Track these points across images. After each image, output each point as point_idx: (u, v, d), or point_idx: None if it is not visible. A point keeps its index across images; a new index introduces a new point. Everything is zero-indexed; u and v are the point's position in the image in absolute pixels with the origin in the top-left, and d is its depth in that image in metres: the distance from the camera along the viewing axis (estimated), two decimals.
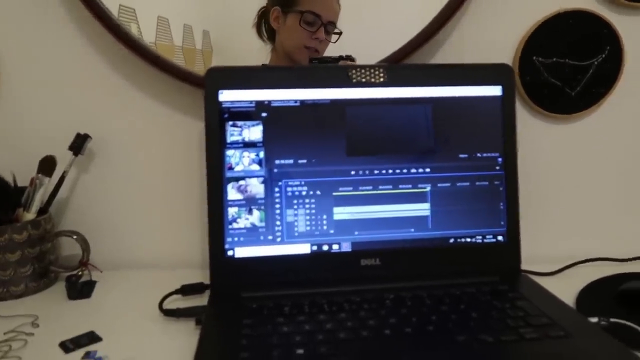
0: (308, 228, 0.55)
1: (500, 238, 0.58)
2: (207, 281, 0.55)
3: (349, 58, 0.63)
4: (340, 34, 0.63)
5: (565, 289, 0.56)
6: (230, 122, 0.55)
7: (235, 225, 0.54)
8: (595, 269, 0.63)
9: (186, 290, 0.56)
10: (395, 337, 0.42)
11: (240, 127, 0.55)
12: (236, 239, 0.54)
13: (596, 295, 0.54)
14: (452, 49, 0.66)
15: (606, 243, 0.70)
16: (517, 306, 0.48)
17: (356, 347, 0.40)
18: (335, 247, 0.56)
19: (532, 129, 0.68)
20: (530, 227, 0.66)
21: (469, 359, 0.39)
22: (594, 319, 0.46)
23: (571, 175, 0.70)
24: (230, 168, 0.54)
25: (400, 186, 0.56)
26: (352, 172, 0.56)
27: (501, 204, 0.58)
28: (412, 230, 0.56)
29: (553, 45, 0.66)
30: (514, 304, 0.48)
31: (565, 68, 0.66)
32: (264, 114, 0.55)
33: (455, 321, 0.44)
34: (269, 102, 0.55)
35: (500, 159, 0.58)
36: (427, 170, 0.57)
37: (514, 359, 0.39)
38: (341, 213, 0.55)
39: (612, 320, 0.45)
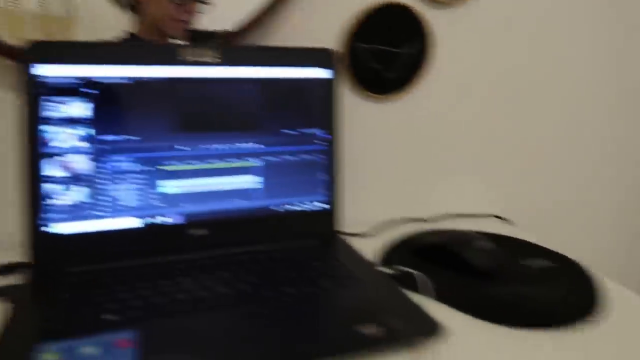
0: (137, 202, 0.56)
1: (322, 205, 0.65)
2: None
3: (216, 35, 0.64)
4: (208, 3, 0.64)
5: (376, 247, 0.65)
6: (48, 97, 0.53)
7: (55, 201, 0.53)
8: (404, 228, 0.73)
9: (1, 270, 0.54)
10: (210, 298, 0.46)
11: (61, 102, 0.54)
12: (57, 215, 0.54)
13: (399, 250, 0.64)
14: (282, 34, 0.71)
15: (415, 206, 0.82)
16: (327, 264, 0.55)
17: (170, 309, 0.44)
18: (163, 219, 0.58)
19: (354, 107, 0.76)
20: (352, 195, 0.75)
21: (271, 308, 0.45)
22: (386, 269, 0.55)
23: (389, 148, 0.80)
24: (47, 144, 0.53)
25: (228, 160, 0.60)
26: (181, 147, 0.58)
27: (324, 175, 0.65)
28: (240, 201, 0.61)
29: (374, 33, 0.74)
30: (325, 262, 0.55)
31: (384, 54, 0.75)
32: (89, 90, 0.54)
33: (268, 279, 0.50)
34: (95, 78, 0.55)
35: (323, 135, 0.65)
36: (255, 145, 0.61)
37: (310, 304, 0.46)
38: (170, 187, 0.58)
39: (399, 268, 0.54)
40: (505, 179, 0.89)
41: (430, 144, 0.82)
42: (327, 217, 0.65)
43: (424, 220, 0.78)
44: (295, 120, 0.63)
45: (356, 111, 0.77)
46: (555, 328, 0.45)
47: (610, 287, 0.55)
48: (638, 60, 0.91)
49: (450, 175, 0.85)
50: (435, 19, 0.76)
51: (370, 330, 0.41)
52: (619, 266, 1.04)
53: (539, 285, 0.51)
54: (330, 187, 0.65)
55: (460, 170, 0.85)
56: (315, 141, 0.64)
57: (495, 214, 0.85)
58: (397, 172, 0.81)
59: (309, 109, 0.64)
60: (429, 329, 0.42)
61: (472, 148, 0.85)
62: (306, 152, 0.64)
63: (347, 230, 0.69)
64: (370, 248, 0.64)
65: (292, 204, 0.63)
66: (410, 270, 0.54)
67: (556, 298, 0.49)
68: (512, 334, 0.45)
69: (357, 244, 0.64)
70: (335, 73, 0.65)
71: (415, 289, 0.51)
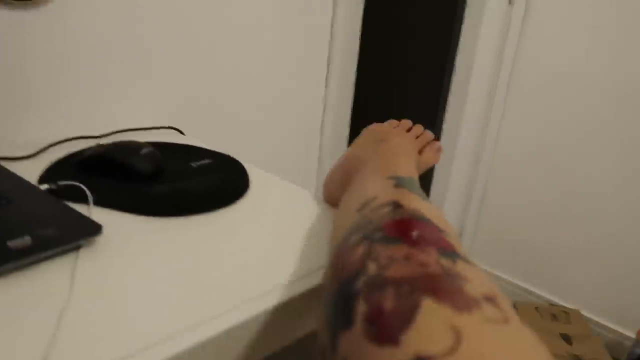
0: None
1: None
2: None
3: None
4: None
5: (40, 167, 0.60)
6: None
7: None
8: (73, 146, 0.70)
9: None
10: None
11: None
12: None
13: (62, 166, 0.61)
14: None
15: (87, 125, 0.79)
16: None
17: None
18: None
19: None
20: (11, 118, 0.66)
21: None
22: (46, 185, 0.52)
23: (53, 63, 0.72)
24: None
25: None
26: None
27: None
28: None
29: None
30: None
31: None
32: None
33: None
34: None
35: None
36: None
37: None
38: None
39: (59, 183, 0.53)
40: (178, 90, 0.93)
41: (95, 57, 0.78)
42: None
43: (96, 137, 0.75)
44: None
45: None
46: (208, 212, 0.53)
47: (256, 173, 0.67)
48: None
49: (121, 90, 0.83)
50: None
51: (19, 243, 0.39)
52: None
53: (196, 179, 0.59)
54: None
55: (131, 84, 0.84)
56: None
57: (170, 125, 0.89)
58: (62, 90, 0.75)
59: None
60: (87, 231, 0.44)
61: (142, 60, 0.85)
62: None
63: (6, 154, 0.62)
64: (34, 169, 0.59)
65: None
66: (71, 182, 0.53)
67: (209, 187, 0.57)
68: (170, 222, 0.50)
69: (19, 167, 0.58)
70: None
71: (77, 199, 0.51)
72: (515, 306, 1.71)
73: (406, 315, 0.21)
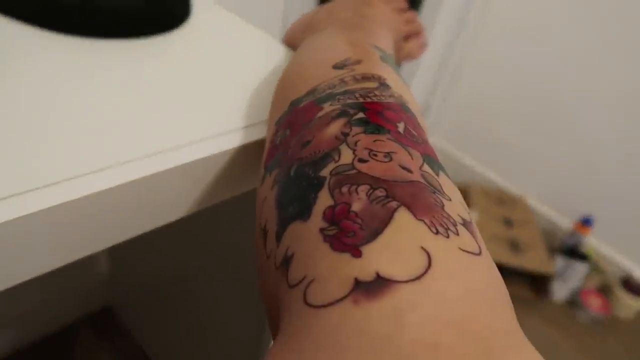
0: None
1: None
2: None
3: None
4: None
5: None
6: None
7: None
8: None
9: None
10: None
11: None
12: None
13: None
14: None
15: None
16: None
17: None
18: None
19: None
20: None
21: None
22: None
23: None
24: None
25: None
26: None
27: None
28: None
29: None
30: None
31: None
32: None
33: None
34: None
35: None
36: None
37: None
38: None
39: None
40: None
41: None
42: None
43: None
44: None
45: None
46: (132, 37, 0.41)
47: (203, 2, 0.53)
48: None
49: None
50: None
51: None
52: None
53: None
54: None
55: None
56: None
57: None
58: None
59: None
60: None
61: None
62: None
63: None
64: None
65: None
66: None
67: (135, 4, 0.43)
68: (85, 44, 0.38)
69: None
70: None
71: None
72: (468, 189, 1.73)
73: (374, 223, 0.18)
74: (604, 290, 1.52)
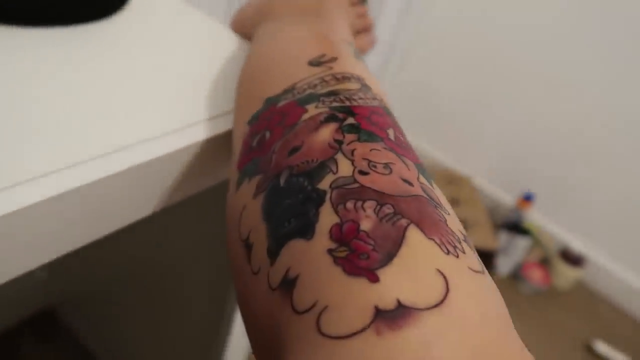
0: None
1: None
2: None
3: None
4: None
5: None
6: None
7: None
8: None
9: None
10: None
11: None
12: None
13: None
14: None
15: None
16: None
17: None
18: None
19: None
20: None
21: None
22: None
23: None
24: None
25: None
26: None
27: None
28: None
29: None
30: None
31: None
32: None
33: None
34: None
35: None
36: None
37: None
38: None
39: None
40: None
41: None
42: None
43: None
44: None
45: None
46: (77, 24, 0.38)
47: None
48: None
49: None
50: None
51: None
52: None
53: None
54: None
55: None
56: None
57: None
58: None
59: None
60: None
61: None
62: None
63: None
64: None
65: None
66: None
67: None
68: (32, 33, 0.34)
69: None
70: None
71: None
72: None
73: (387, 244, 0.17)
74: (545, 263, 1.61)
